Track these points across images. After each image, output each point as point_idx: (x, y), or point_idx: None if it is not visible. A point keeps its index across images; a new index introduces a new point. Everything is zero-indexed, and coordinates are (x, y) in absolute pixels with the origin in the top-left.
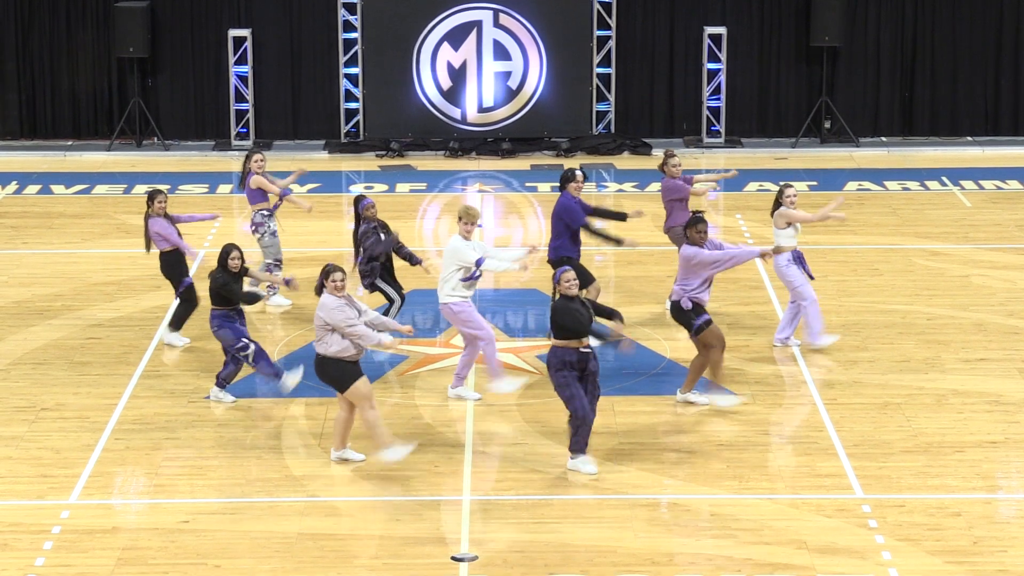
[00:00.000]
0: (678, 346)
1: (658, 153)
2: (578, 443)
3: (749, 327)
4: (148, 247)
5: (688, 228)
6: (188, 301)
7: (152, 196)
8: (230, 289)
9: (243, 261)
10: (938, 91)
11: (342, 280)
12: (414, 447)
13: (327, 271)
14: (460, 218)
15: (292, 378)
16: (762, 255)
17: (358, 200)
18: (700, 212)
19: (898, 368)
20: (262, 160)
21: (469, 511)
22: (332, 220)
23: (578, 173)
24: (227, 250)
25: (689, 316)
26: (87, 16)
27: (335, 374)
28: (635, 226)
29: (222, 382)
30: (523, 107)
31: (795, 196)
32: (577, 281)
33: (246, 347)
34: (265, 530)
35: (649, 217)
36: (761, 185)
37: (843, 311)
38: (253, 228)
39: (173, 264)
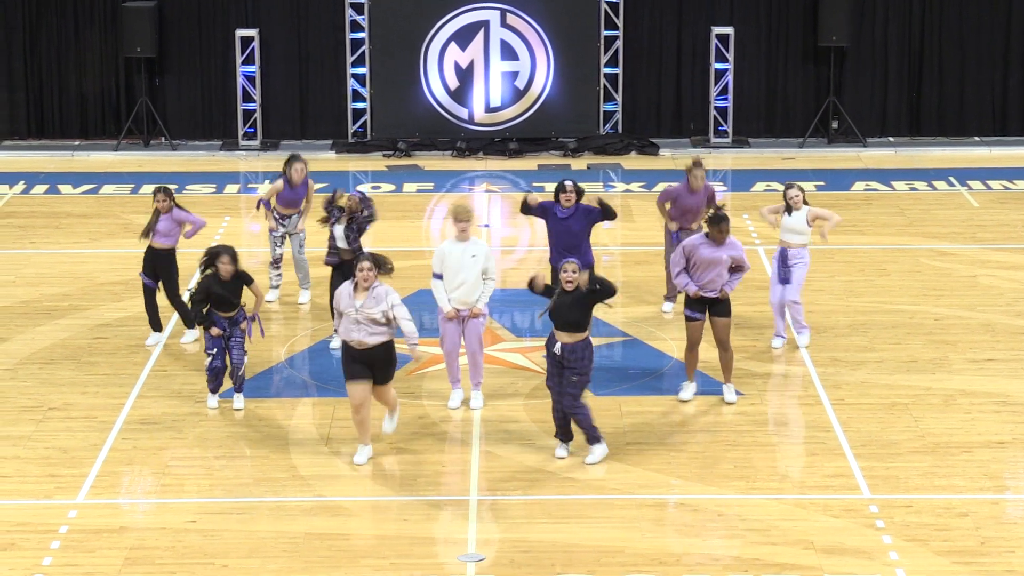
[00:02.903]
0: (684, 346)
1: (665, 153)
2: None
3: (755, 327)
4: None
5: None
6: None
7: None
8: (199, 298)
9: (235, 266)
10: (946, 91)
11: (369, 270)
12: (362, 463)
13: (358, 258)
14: (453, 218)
15: (214, 401)
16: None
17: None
18: (721, 209)
19: (905, 368)
20: (301, 169)
21: (476, 511)
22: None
23: (567, 183)
24: (215, 253)
25: (686, 304)
26: (95, 16)
27: (342, 362)
28: (641, 226)
29: (238, 385)
30: (530, 107)
31: (795, 197)
32: (573, 274)
33: (209, 358)
34: (272, 530)
35: (654, 217)
36: (768, 185)
37: (850, 311)
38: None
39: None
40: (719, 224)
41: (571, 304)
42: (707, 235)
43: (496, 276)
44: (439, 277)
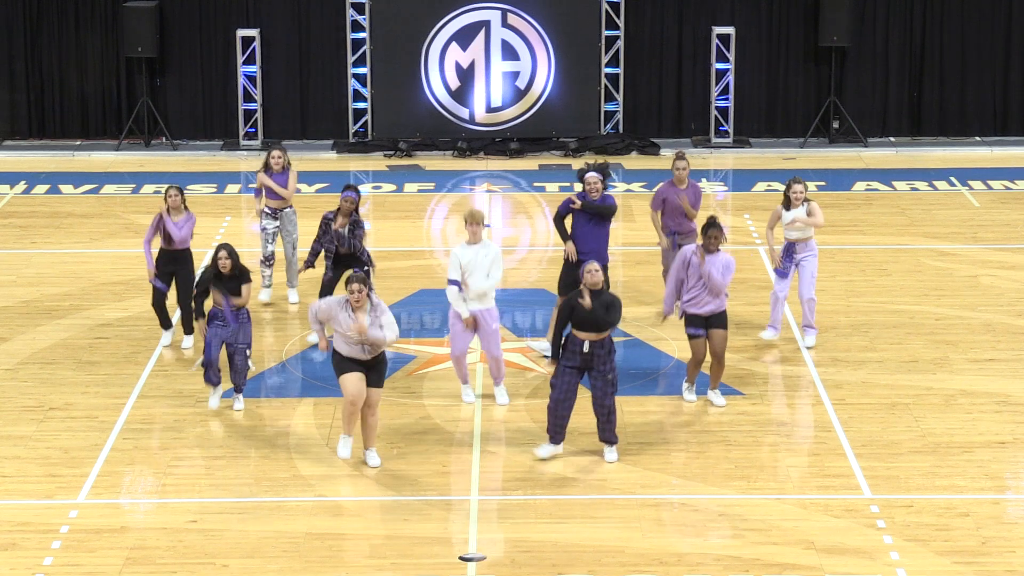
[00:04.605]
0: (686, 346)
1: (667, 153)
2: (549, 430)
3: (757, 327)
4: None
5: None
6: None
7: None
8: (201, 289)
9: (234, 261)
10: (947, 91)
11: (359, 291)
12: (346, 457)
13: (347, 280)
14: (465, 221)
15: (216, 401)
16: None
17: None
18: (713, 216)
19: (906, 368)
20: (277, 157)
21: (477, 511)
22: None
23: (589, 175)
24: (216, 250)
25: (686, 323)
26: (95, 16)
27: (333, 360)
28: (641, 226)
29: (239, 387)
30: (531, 107)
31: (799, 192)
32: (596, 275)
33: (204, 355)
34: (273, 530)
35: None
36: (769, 185)
37: (851, 311)
38: None
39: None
40: (708, 231)
41: (596, 307)
42: (701, 245)
43: (500, 277)
44: (455, 283)
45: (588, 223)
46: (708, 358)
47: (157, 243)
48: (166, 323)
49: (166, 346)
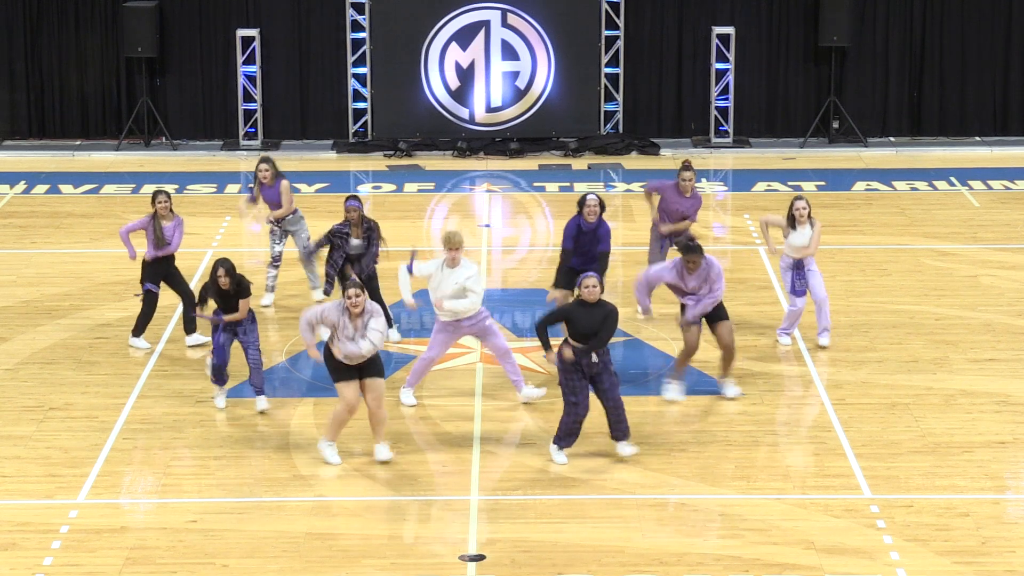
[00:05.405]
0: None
1: (666, 153)
2: (560, 436)
3: (756, 327)
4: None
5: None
6: (147, 306)
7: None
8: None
9: (233, 278)
10: (947, 91)
11: (357, 296)
12: (339, 463)
13: (344, 287)
14: (443, 243)
15: (222, 400)
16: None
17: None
18: (692, 238)
19: (906, 368)
20: (264, 170)
21: (477, 511)
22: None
23: (589, 197)
24: (214, 266)
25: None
26: (95, 16)
27: (328, 365)
28: (641, 226)
29: (258, 388)
30: (531, 107)
31: (802, 208)
32: (594, 291)
33: (214, 358)
34: (273, 530)
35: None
36: (769, 185)
37: (851, 311)
38: None
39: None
40: (691, 255)
41: (593, 319)
42: (683, 262)
43: (480, 292)
44: (409, 269)
45: (588, 241)
46: (711, 351)
47: (138, 243)
48: (143, 329)
49: (138, 348)
